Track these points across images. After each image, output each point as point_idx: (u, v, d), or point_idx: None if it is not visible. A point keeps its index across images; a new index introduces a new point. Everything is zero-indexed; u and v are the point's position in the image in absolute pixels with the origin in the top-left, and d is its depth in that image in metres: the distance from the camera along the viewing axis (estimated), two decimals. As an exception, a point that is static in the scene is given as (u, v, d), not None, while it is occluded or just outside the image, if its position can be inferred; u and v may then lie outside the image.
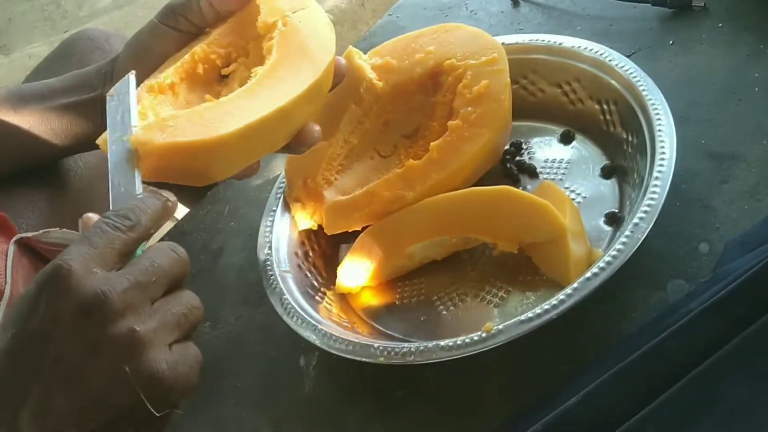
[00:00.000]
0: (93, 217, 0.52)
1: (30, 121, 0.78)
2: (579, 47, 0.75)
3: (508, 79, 0.72)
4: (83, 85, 0.77)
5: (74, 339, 0.46)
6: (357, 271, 0.71)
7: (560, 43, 0.76)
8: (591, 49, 0.74)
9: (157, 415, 0.47)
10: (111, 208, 0.52)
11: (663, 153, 0.63)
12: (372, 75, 0.76)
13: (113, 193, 0.53)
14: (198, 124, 0.58)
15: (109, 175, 0.54)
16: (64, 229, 0.75)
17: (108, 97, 0.59)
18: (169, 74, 0.66)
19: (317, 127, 0.65)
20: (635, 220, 0.60)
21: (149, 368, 0.46)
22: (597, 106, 0.74)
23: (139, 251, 0.51)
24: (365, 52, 0.78)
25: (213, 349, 0.75)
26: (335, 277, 0.72)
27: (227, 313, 0.77)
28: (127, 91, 0.58)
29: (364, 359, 0.62)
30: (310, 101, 0.63)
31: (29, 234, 0.73)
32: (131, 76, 0.60)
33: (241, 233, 0.83)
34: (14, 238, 0.73)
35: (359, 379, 0.67)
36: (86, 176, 0.89)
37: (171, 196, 0.53)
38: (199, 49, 0.68)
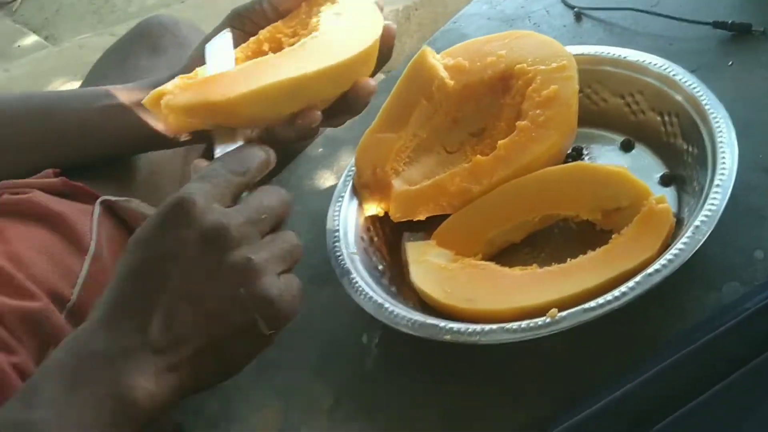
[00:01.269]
0: (202, 162, 0.57)
1: (107, 115, 0.81)
2: (644, 61, 0.79)
3: (577, 86, 0.75)
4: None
5: (197, 262, 0.52)
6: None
7: (625, 57, 0.80)
8: (655, 64, 0.78)
9: (267, 333, 0.53)
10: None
11: (724, 163, 0.67)
12: (444, 74, 0.80)
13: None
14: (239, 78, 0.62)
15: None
16: (144, 203, 0.80)
17: (206, 46, 0.68)
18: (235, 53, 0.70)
19: (372, 82, 0.68)
20: (696, 223, 0.63)
21: (262, 292, 0.52)
22: (658, 118, 0.77)
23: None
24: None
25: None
26: (399, 261, 0.76)
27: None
28: (225, 43, 0.68)
29: (429, 337, 0.65)
30: (357, 64, 0.67)
31: (113, 198, 0.78)
32: (227, 31, 0.69)
33: (306, 217, 0.87)
34: (99, 199, 0.78)
35: (421, 358, 0.70)
36: (148, 169, 0.92)
37: (271, 152, 0.59)
38: (265, 30, 0.73)
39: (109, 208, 0.80)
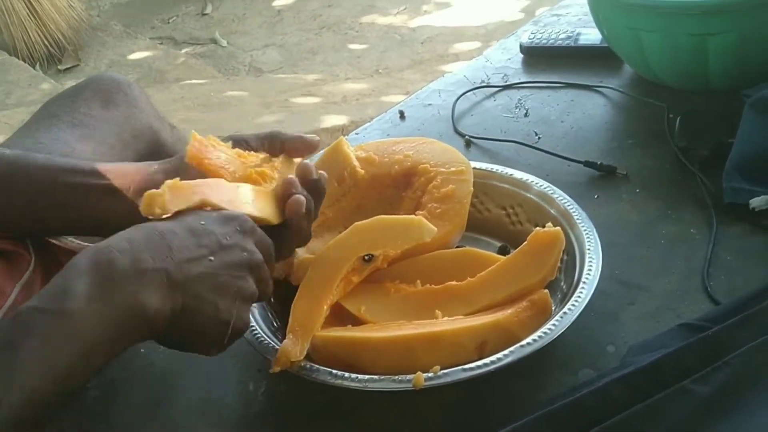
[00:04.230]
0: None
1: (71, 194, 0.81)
2: (527, 180, 0.91)
3: (471, 188, 0.86)
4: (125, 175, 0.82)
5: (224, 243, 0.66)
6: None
7: (511, 174, 0.92)
8: (536, 183, 0.90)
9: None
10: None
11: (590, 266, 0.78)
12: (356, 163, 0.89)
13: None
14: None
15: None
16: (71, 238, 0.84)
17: None
18: None
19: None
20: (564, 310, 0.73)
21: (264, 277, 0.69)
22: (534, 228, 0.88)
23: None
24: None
25: (168, 362, 0.83)
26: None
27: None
28: None
29: (322, 381, 0.71)
30: None
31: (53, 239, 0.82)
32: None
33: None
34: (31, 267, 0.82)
35: (304, 407, 0.76)
36: None
37: None
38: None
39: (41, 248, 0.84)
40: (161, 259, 0.63)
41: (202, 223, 0.66)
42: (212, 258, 0.65)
